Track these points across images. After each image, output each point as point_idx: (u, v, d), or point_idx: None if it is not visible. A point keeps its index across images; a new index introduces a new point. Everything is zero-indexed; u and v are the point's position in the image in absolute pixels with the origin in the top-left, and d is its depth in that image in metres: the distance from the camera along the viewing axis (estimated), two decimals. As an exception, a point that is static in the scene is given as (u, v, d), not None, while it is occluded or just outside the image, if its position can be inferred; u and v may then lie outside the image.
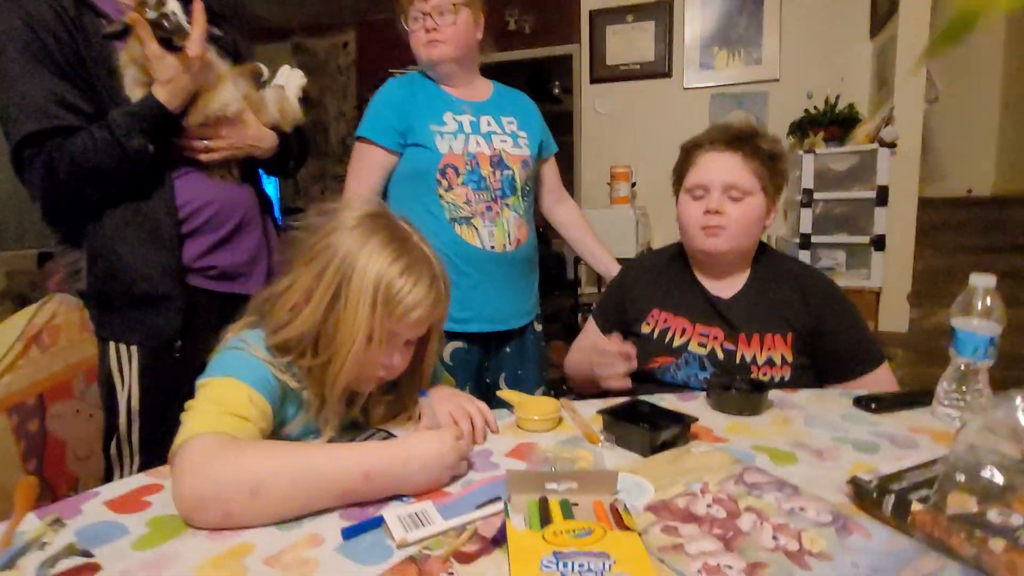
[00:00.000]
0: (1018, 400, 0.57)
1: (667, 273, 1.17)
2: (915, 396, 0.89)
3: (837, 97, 2.93)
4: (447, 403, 0.81)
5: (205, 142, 1.00)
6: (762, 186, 1.05)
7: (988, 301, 0.79)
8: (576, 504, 0.59)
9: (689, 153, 1.12)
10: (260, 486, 0.57)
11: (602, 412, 0.79)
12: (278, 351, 0.74)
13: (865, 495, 0.59)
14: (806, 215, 2.77)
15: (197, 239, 1.02)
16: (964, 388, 0.81)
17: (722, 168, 1.05)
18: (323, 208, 0.77)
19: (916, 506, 0.54)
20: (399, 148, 1.33)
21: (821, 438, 0.77)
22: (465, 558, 0.52)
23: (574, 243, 1.62)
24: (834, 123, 2.85)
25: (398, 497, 0.63)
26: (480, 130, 1.35)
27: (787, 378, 1.03)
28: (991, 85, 3.56)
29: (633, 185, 3.34)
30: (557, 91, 5.10)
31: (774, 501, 0.59)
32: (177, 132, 0.97)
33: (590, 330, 1.24)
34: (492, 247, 1.33)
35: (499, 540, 0.55)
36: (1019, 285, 2.84)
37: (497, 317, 1.38)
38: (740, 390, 0.88)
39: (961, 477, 0.55)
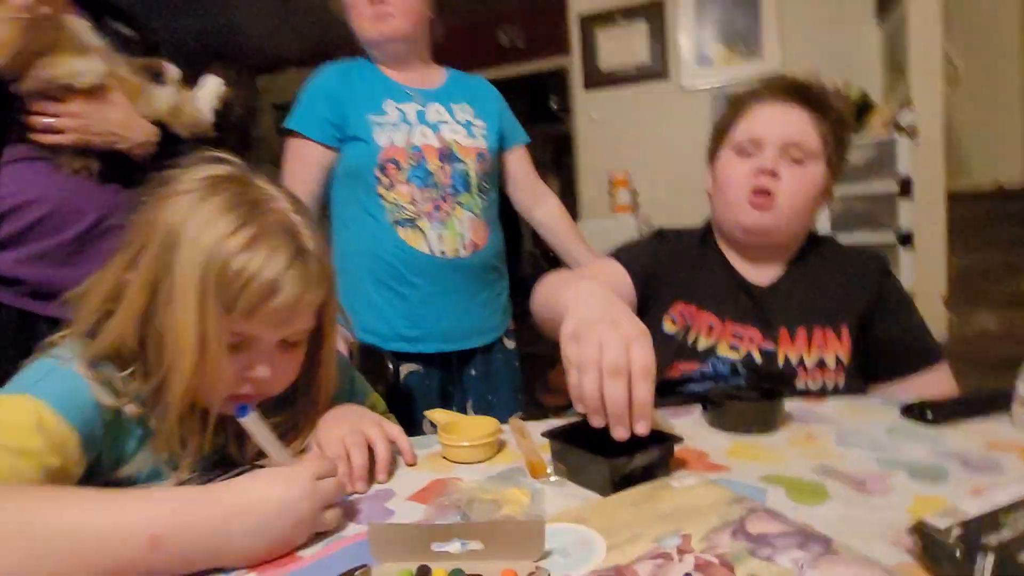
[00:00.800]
0: None
1: (695, 258, 0.91)
2: (985, 399, 0.66)
3: (845, 85, 2.71)
4: (340, 425, 0.60)
5: (46, 119, 0.80)
6: (827, 154, 0.83)
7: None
8: (478, 577, 0.38)
9: (740, 103, 0.88)
10: None
11: (548, 434, 0.57)
12: (110, 364, 0.54)
13: (941, 553, 0.36)
14: (823, 212, 2.53)
15: (14, 248, 0.80)
16: (1059, 384, 0.58)
17: (784, 122, 0.82)
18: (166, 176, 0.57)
19: (1040, 577, 0.31)
20: (335, 143, 1.15)
21: (862, 462, 0.54)
22: None
23: (558, 251, 1.40)
24: (846, 113, 2.64)
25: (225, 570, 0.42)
26: (427, 120, 1.17)
27: (841, 386, 0.81)
28: (1011, 68, 3.33)
29: (635, 194, 3.15)
30: (555, 107, 4.97)
31: (793, 566, 0.37)
32: (6, 101, 0.77)
33: (608, 271, 0.89)
34: (443, 252, 1.14)
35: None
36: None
37: (455, 335, 1.18)
38: (744, 397, 0.66)
39: (1112, 523, 0.32)
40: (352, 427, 0.59)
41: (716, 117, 0.93)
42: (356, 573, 0.38)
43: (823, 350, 0.81)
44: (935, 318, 2.57)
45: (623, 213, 2.99)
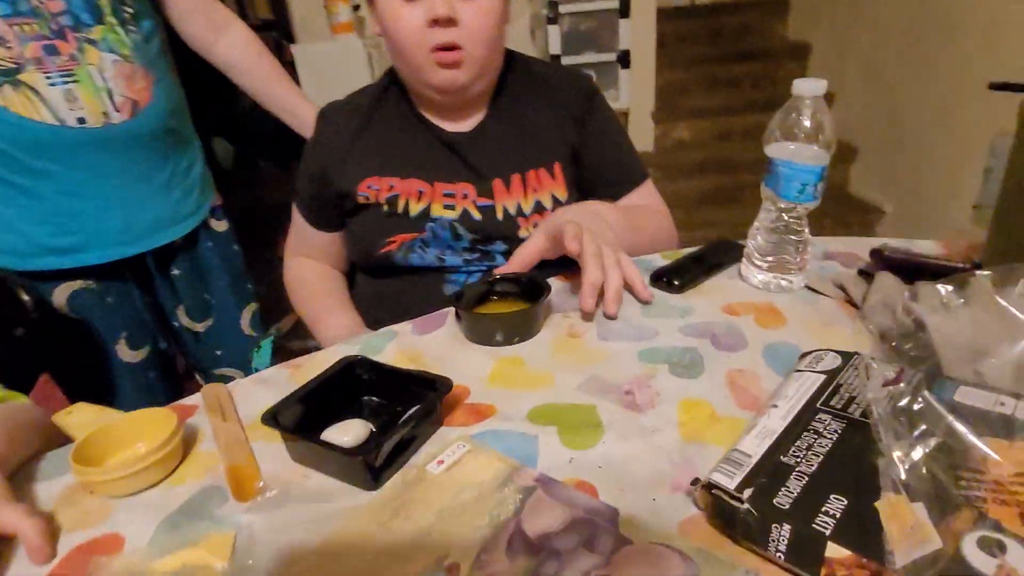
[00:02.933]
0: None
1: (378, 120, 0.76)
2: (715, 253, 0.67)
3: None
4: None
5: None
6: None
7: (818, 117, 0.55)
8: None
9: None
10: None
11: (268, 420, 0.40)
12: None
13: (734, 518, 0.31)
14: (553, 32, 2.48)
15: None
16: (782, 242, 0.59)
17: None
18: None
19: (836, 550, 0.28)
20: None
21: (626, 363, 0.50)
22: None
23: (256, 95, 1.04)
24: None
25: None
26: None
27: None
28: None
29: (356, 8, 2.65)
30: None
31: (585, 587, 0.29)
32: None
33: (299, 225, 0.85)
34: (81, 120, 0.75)
35: None
36: (738, 93, 3.05)
37: (134, 233, 0.86)
38: (499, 293, 0.56)
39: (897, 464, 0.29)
40: None
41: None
42: None
43: (539, 192, 0.75)
44: (645, 132, 2.88)
45: (344, 34, 2.52)
